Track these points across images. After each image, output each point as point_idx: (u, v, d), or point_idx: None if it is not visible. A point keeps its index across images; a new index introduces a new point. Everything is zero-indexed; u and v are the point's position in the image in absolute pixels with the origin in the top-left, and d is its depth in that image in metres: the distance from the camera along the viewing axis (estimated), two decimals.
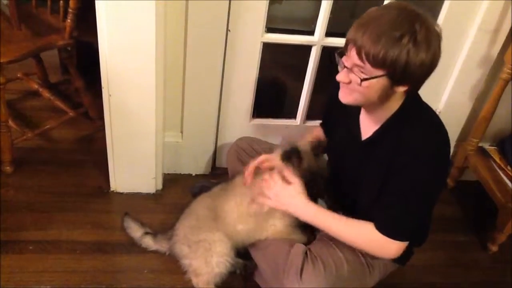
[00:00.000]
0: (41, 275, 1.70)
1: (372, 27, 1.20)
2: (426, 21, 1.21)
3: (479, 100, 2.20)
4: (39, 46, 2.00)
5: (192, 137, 2.11)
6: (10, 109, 2.12)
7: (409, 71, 1.21)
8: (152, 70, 1.73)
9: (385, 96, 1.30)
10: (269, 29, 1.91)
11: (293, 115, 2.21)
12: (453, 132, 2.28)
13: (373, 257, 1.51)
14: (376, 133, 1.40)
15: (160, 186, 2.12)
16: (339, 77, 1.32)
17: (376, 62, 1.21)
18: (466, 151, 2.24)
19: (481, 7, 1.93)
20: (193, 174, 2.23)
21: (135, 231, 1.82)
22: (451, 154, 2.28)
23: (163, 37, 1.72)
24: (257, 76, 2.01)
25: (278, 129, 2.19)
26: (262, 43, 1.92)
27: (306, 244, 1.55)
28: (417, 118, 1.34)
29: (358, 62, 1.24)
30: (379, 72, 1.23)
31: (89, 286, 1.70)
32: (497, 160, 2.21)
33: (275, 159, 1.54)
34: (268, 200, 1.50)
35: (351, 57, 1.27)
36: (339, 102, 1.37)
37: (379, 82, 1.25)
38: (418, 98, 1.41)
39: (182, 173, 2.22)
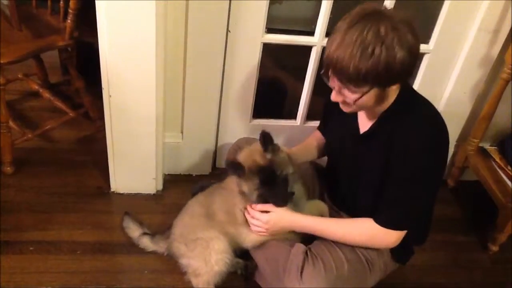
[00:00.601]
0: (41, 276, 1.70)
1: (342, 54, 1.21)
2: (390, 18, 1.20)
3: (479, 100, 2.20)
4: (40, 46, 2.00)
5: (192, 137, 2.11)
6: (11, 110, 2.12)
7: (394, 73, 1.23)
8: (152, 70, 1.73)
9: (380, 99, 1.34)
10: (269, 30, 1.91)
11: (293, 116, 2.21)
12: (454, 132, 2.28)
13: (374, 256, 1.51)
14: (374, 126, 1.42)
15: (160, 187, 2.12)
16: (333, 98, 1.36)
17: (358, 83, 1.25)
18: (466, 151, 2.24)
19: (481, 7, 1.94)
20: (193, 175, 2.23)
21: (134, 231, 1.82)
22: (450, 153, 2.31)
23: (163, 38, 1.73)
24: (257, 76, 2.01)
25: (278, 129, 2.18)
26: (262, 44, 1.92)
27: (305, 243, 1.55)
28: (413, 109, 1.36)
29: (343, 86, 1.29)
30: (366, 88, 1.26)
31: (89, 286, 1.70)
32: (497, 160, 2.21)
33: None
34: (264, 233, 1.54)
35: (335, 81, 1.30)
36: (336, 103, 1.40)
37: (370, 94, 1.28)
38: (412, 89, 1.44)
39: (182, 173, 2.22)
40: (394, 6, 1.87)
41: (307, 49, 1.99)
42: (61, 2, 2.01)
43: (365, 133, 1.46)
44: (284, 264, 1.48)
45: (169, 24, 1.75)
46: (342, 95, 1.33)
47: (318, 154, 1.78)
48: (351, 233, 1.48)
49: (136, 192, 2.08)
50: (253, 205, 1.52)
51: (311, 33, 1.96)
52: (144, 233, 1.81)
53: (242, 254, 1.72)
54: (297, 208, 1.53)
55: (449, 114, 2.16)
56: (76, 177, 2.11)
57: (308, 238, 1.58)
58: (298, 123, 2.21)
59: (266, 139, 1.43)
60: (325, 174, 1.78)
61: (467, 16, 1.97)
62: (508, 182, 2.08)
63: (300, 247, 1.50)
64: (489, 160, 2.21)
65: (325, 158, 1.78)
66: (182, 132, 2.11)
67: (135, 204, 2.02)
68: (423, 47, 2.05)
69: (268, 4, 1.83)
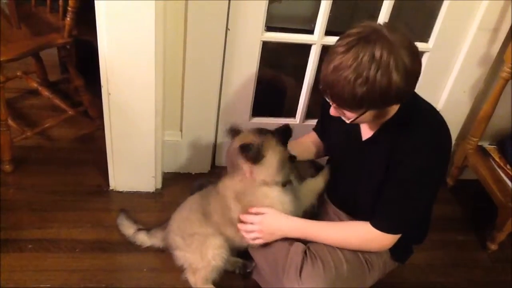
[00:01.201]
0: (40, 274, 1.70)
1: (337, 78, 1.19)
2: (387, 40, 1.16)
3: (479, 99, 2.20)
4: (39, 44, 1.99)
5: (191, 135, 2.11)
6: (10, 108, 2.12)
7: (390, 97, 1.21)
8: (151, 68, 1.73)
9: (380, 116, 1.33)
10: (269, 28, 1.91)
11: (292, 114, 2.21)
12: (453, 131, 2.25)
13: (373, 256, 1.51)
14: (376, 134, 1.41)
15: (159, 185, 2.12)
16: (332, 113, 1.34)
17: (353, 108, 1.25)
18: (465, 150, 2.24)
19: (481, 6, 1.93)
20: (193, 173, 2.23)
21: (128, 228, 1.83)
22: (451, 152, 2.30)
23: (162, 36, 1.72)
24: (257, 75, 2.01)
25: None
26: (261, 42, 1.92)
27: (304, 243, 1.55)
28: (416, 116, 1.35)
29: (340, 109, 1.29)
30: (362, 110, 1.26)
31: (88, 284, 1.70)
32: (497, 159, 2.21)
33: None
34: (259, 240, 1.53)
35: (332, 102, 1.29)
36: None
37: (367, 115, 1.28)
38: (416, 96, 1.42)
39: (181, 172, 2.22)
40: (394, 6, 1.87)
41: (307, 47, 1.99)
42: (60, 0, 2.01)
43: (367, 140, 1.45)
44: (283, 264, 1.47)
45: (169, 22, 1.75)
46: (341, 112, 1.32)
47: (313, 156, 1.77)
48: (347, 237, 1.48)
49: (135, 190, 2.08)
50: (248, 209, 1.52)
51: (310, 31, 1.96)
52: (139, 229, 1.81)
53: (241, 253, 1.72)
54: (296, 201, 1.54)
55: (449, 113, 2.17)
56: (75, 175, 2.11)
57: None
58: (298, 121, 2.21)
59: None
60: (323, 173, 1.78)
61: (466, 15, 1.97)
62: (508, 181, 2.08)
63: (299, 247, 1.50)
64: (488, 159, 2.21)
65: (325, 158, 1.77)
66: (181, 130, 2.11)
67: (134, 202, 2.03)
68: (422, 46, 2.04)
69: (267, 2, 1.82)
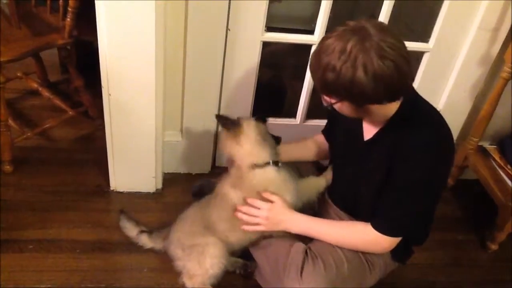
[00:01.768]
0: (41, 274, 1.70)
1: (314, 61, 1.26)
2: (365, 39, 1.17)
3: (479, 99, 2.20)
4: (39, 45, 1.99)
5: (192, 136, 2.11)
6: (10, 108, 2.13)
7: (356, 93, 1.22)
8: (152, 69, 1.73)
9: (363, 113, 1.34)
10: (269, 28, 1.91)
11: (293, 115, 2.21)
12: (453, 131, 2.23)
13: (373, 256, 1.51)
14: (377, 134, 1.41)
15: (160, 185, 2.12)
16: (323, 101, 1.37)
17: (325, 93, 1.29)
18: (466, 150, 2.24)
19: (481, 6, 1.93)
20: (193, 173, 2.23)
21: (131, 230, 1.83)
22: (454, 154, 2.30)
23: (163, 37, 1.72)
24: (257, 75, 2.01)
25: (278, 128, 2.18)
26: (262, 42, 1.92)
27: (305, 241, 1.55)
28: (417, 117, 1.35)
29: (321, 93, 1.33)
30: (335, 98, 1.28)
31: (89, 285, 1.70)
32: (497, 159, 2.21)
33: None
34: (259, 226, 1.53)
35: None
36: None
37: (344, 105, 1.30)
38: (417, 97, 1.42)
39: (182, 172, 2.23)
40: (394, 6, 1.87)
41: (307, 47, 1.99)
42: (61, 1, 2.01)
43: (369, 140, 1.44)
44: (284, 264, 1.47)
45: (169, 22, 1.75)
46: (322, 96, 1.34)
47: (314, 156, 1.78)
48: (348, 236, 1.48)
49: (135, 190, 2.08)
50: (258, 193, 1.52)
51: (310, 31, 1.96)
52: (142, 231, 1.81)
53: (241, 253, 1.72)
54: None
55: (449, 113, 2.17)
56: (76, 175, 2.11)
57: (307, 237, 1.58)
58: (298, 122, 2.21)
59: (221, 120, 1.56)
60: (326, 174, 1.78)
61: (467, 15, 1.97)
62: (508, 181, 2.08)
63: (300, 246, 1.50)
64: (488, 159, 2.21)
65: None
66: (181, 131, 2.11)
67: (134, 203, 2.03)
68: (422, 46, 2.05)
69: (268, 3, 1.83)
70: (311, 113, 2.18)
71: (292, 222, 1.51)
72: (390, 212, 1.40)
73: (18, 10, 1.98)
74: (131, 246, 1.82)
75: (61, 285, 1.68)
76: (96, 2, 1.58)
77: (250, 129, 1.54)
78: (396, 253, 1.55)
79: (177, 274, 1.68)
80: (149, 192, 2.09)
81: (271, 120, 2.18)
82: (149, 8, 1.59)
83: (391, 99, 1.28)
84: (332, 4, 1.85)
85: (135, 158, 1.97)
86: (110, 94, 1.79)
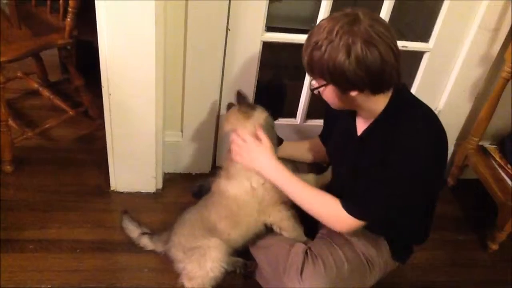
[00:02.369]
0: (41, 274, 1.70)
1: (306, 42, 1.29)
2: (352, 23, 1.20)
3: (479, 98, 2.20)
4: (39, 45, 2.00)
5: (192, 136, 2.11)
6: (10, 108, 2.12)
7: (337, 76, 1.24)
8: (152, 69, 1.73)
9: (348, 103, 1.35)
10: (269, 28, 1.91)
11: (293, 115, 2.21)
12: (453, 131, 2.28)
13: (374, 256, 1.51)
14: (367, 130, 1.42)
15: (160, 185, 2.12)
16: (310, 86, 1.40)
17: (311, 74, 1.32)
18: (466, 150, 2.24)
19: (481, 6, 1.93)
20: (193, 173, 2.23)
21: (133, 231, 1.83)
22: (450, 152, 2.30)
23: (162, 36, 1.72)
24: (257, 75, 2.01)
25: (278, 128, 2.18)
26: (262, 42, 1.92)
27: (305, 243, 1.55)
28: (406, 114, 1.34)
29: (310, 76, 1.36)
30: (322, 82, 1.30)
31: (89, 285, 1.70)
32: (497, 158, 2.21)
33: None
34: (239, 156, 1.55)
35: None
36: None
37: (328, 90, 1.32)
38: (406, 94, 1.42)
39: (182, 172, 2.22)
40: (394, 6, 1.87)
41: None
42: (61, 1, 2.01)
43: (361, 135, 1.45)
44: (284, 264, 1.48)
45: (169, 22, 1.75)
46: (311, 80, 1.37)
47: (311, 157, 1.78)
48: (316, 206, 1.46)
49: (136, 190, 2.08)
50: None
51: None
52: (143, 233, 1.81)
53: (242, 253, 1.72)
54: None
55: (449, 112, 2.18)
56: (76, 175, 2.11)
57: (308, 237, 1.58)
58: (298, 122, 2.21)
59: (240, 97, 1.66)
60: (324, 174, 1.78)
61: (467, 15, 1.97)
62: (508, 181, 2.08)
63: (300, 247, 1.51)
64: (489, 159, 2.21)
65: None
66: (181, 131, 2.11)
67: (134, 203, 2.03)
68: (422, 46, 2.05)
69: (268, 3, 1.83)
70: (311, 113, 2.18)
71: (268, 166, 1.51)
72: (361, 195, 1.37)
73: (18, 10, 1.98)
74: (132, 246, 1.83)
75: (61, 285, 1.68)
76: (96, 2, 1.58)
77: (261, 116, 1.62)
78: (397, 253, 1.55)
79: (178, 274, 1.68)
80: (149, 192, 2.09)
81: None
82: (149, 8, 1.59)
83: (375, 90, 1.28)
84: (332, 4, 1.85)
85: (135, 158, 1.97)
86: (110, 94, 1.79)
